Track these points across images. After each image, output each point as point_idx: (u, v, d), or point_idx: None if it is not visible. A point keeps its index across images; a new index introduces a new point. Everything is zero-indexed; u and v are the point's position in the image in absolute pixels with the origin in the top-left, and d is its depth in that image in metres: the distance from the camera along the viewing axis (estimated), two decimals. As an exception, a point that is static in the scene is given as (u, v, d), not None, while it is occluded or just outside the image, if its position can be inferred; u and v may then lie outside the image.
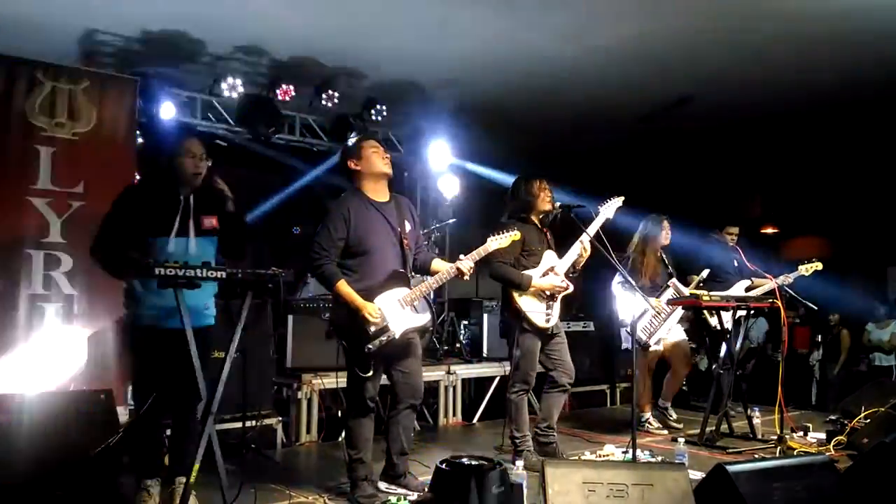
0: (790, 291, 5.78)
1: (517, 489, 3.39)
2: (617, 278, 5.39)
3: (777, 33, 5.52)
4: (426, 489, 3.67)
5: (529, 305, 4.38)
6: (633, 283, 4.58)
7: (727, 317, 5.68)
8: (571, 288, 4.50)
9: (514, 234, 4.04)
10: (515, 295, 4.38)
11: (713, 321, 5.91)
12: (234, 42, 5.78)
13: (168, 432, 3.65)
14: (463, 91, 6.83)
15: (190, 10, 5.16)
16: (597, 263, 4.55)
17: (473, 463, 3.32)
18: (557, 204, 4.51)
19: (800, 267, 6.00)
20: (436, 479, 3.36)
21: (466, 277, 3.81)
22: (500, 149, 8.24)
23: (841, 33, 5.53)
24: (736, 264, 6.25)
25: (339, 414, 5.39)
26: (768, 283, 5.84)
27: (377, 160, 3.81)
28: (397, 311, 3.68)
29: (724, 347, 5.34)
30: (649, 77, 6.46)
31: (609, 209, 4.61)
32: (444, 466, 3.34)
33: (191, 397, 3.27)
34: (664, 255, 5.76)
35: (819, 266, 6.00)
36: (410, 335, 3.81)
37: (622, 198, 4.69)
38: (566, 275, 4.52)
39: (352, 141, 3.98)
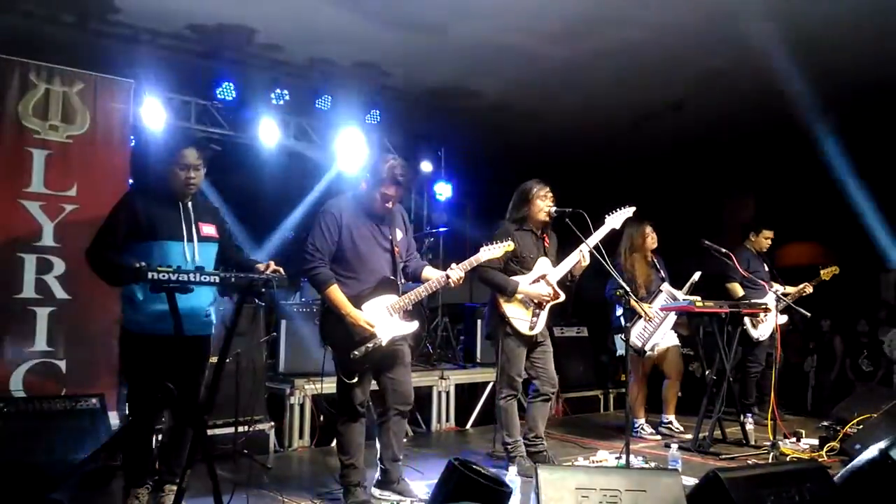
0: (784, 298, 5.82)
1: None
2: (611, 286, 5.41)
3: (771, 37, 5.54)
4: (421, 494, 3.67)
5: (514, 311, 4.37)
6: (630, 291, 4.55)
7: (767, 328, 5.72)
8: (563, 297, 4.48)
9: (508, 245, 4.04)
10: (501, 300, 4.39)
11: (754, 332, 6.00)
12: (229, 44, 5.77)
13: (158, 438, 3.63)
14: (456, 95, 6.84)
15: (187, 11, 5.17)
16: (592, 270, 4.54)
17: (485, 483, 3.22)
18: (553, 209, 4.48)
19: (821, 272, 6.13)
20: (447, 476, 3.26)
21: (453, 285, 3.82)
22: (494, 153, 8.27)
23: (836, 37, 5.56)
24: (767, 269, 6.33)
25: (321, 418, 5.37)
26: (801, 288, 6.12)
27: (391, 195, 3.73)
28: (385, 319, 3.68)
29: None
30: (643, 80, 6.48)
31: (616, 219, 4.58)
32: (458, 465, 3.23)
33: (184, 404, 3.26)
34: (656, 261, 5.76)
35: (836, 270, 6.12)
36: (398, 342, 3.81)
37: (633, 208, 4.64)
38: (563, 283, 4.51)
39: (383, 167, 3.73)
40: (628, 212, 4.63)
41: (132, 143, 5.53)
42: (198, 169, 3.45)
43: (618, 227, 4.60)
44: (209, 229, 3.50)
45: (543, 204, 4.47)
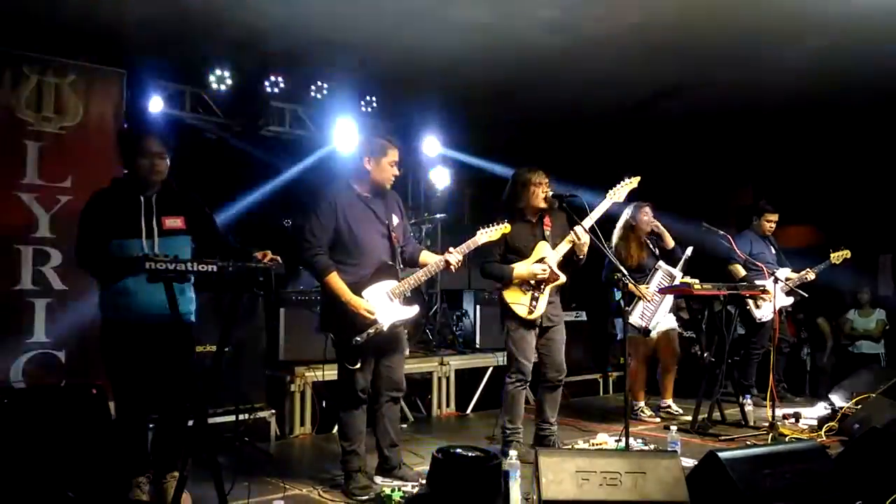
0: (784, 282, 5.82)
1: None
2: (607, 269, 5.41)
3: (771, 25, 5.51)
4: (422, 479, 3.69)
5: (513, 297, 4.37)
6: (627, 273, 4.53)
7: (770, 308, 5.75)
8: (562, 279, 4.45)
9: (504, 227, 4.04)
10: (503, 288, 4.40)
11: (758, 313, 6.02)
12: (223, 31, 5.71)
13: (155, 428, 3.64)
14: (455, 81, 6.80)
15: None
16: (589, 253, 4.52)
17: (470, 454, 3.31)
18: (550, 194, 4.46)
19: (832, 255, 6.15)
20: (433, 469, 3.35)
21: (453, 269, 3.84)
22: (491, 139, 8.23)
23: (835, 26, 5.52)
24: (773, 252, 6.33)
25: (324, 404, 5.39)
26: (803, 274, 6.11)
27: (389, 175, 3.81)
28: (385, 304, 3.69)
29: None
30: (641, 68, 6.44)
31: (619, 192, 4.52)
32: (439, 456, 3.32)
33: (176, 393, 3.26)
34: (649, 241, 5.76)
35: (847, 254, 6.12)
36: (398, 327, 3.82)
37: (637, 178, 4.54)
38: (568, 263, 4.49)
39: (379, 140, 3.86)
40: (632, 183, 4.54)
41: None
42: (162, 157, 3.40)
43: (622, 200, 4.54)
44: (174, 222, 3.43)
45: (540, 190, 4.42)
